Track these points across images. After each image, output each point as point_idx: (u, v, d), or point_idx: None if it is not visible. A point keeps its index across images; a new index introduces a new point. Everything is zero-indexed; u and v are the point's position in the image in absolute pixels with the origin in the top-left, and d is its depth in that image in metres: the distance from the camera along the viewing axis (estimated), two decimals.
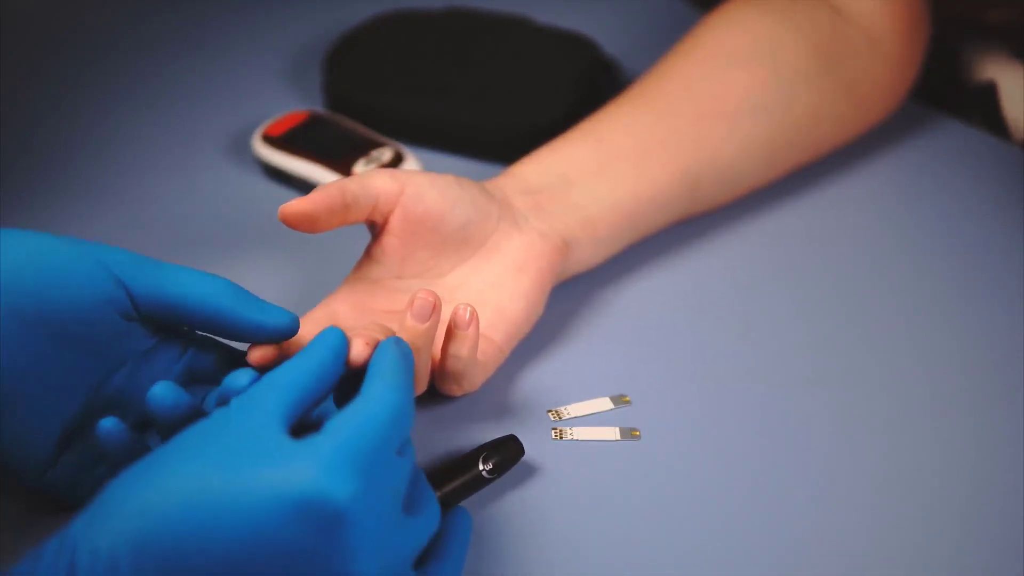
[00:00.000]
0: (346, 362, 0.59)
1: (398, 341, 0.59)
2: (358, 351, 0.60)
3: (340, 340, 0.58)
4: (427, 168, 0.85)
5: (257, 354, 0.62)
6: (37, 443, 0.59)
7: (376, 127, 0.88)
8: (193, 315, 0.60)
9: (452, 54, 0.92)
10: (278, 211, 0.65)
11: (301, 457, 0.50)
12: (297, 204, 0.65)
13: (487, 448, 0.64)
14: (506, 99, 0.89)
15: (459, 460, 0.64)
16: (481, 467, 0.63)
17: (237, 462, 0.50)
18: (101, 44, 0.99)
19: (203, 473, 0.50)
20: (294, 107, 0.89)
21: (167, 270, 0.60)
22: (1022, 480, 0.65)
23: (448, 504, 0.62)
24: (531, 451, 0.66)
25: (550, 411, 0.69)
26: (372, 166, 0.81)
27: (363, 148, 0.84)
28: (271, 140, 0.84)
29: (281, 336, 0.61)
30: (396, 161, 0.83)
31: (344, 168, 0.82)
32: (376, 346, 0.59)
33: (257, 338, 0.61)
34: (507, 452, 0.64)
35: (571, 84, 0.90)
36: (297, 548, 0.50)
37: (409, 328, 0.62)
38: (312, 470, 0.50)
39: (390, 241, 0.69)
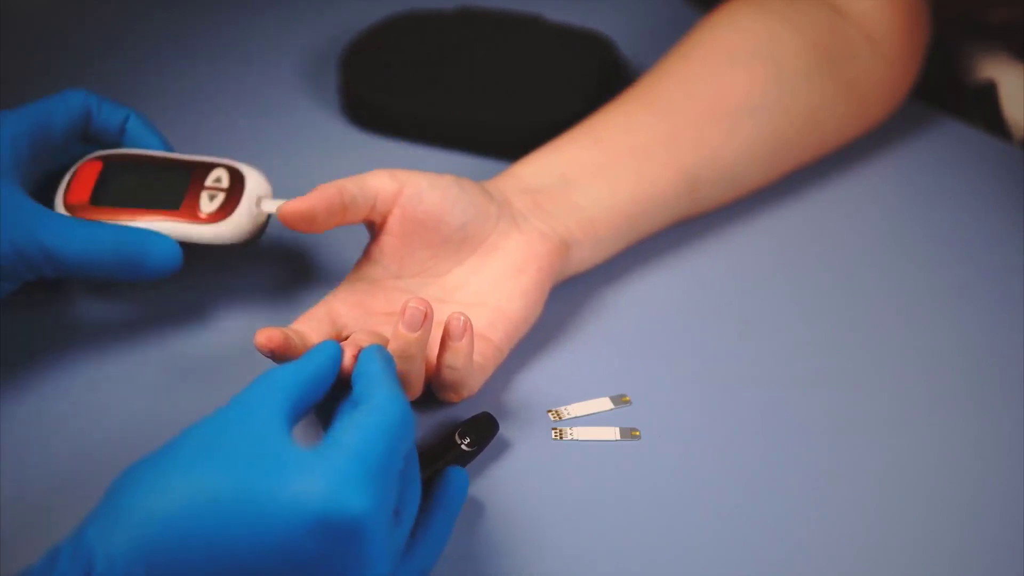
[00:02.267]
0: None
1: (380, 348, 0.60)
2: (346, 360, 0.60)
3: (337, 350, 0.59)
4: (442, 169, 0.84)
5: (263, 337, 0.62)
6: None
7: (394, 128, 0.88)
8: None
9: (468, 53, 0.92)
10: (276, 212, 0.65)
11: (316, 470, 0.51)
12: (295, 204, 0.65)
13: (462, 425, 0.65)
14: (525, 97, 0.89)
15: (437, 442, 0.65)
16: (459, 441, 0.64)
17: (252, 473, 0.50)
18: (109, 43, 0.99)
19: (217, 482, 0.50)
20: (305, 112, 0.89)
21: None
22: (1022, 480, 0.65)
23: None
24: (531, 451, 0.66)
25: (550, 411, 0.69)
26: (219, 197, 0.68)
27: (194, 178, 0.69)
28: (81, 208, 0.68)
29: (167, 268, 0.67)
30: (237, 178, 0.70)
31: (189, 211, 0.68)
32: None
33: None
34: (482, 427, 0.65)
35: (589, 81, 0.90)
36: (314, 561, 0.50)
37: (401, 337, 0.62)
38: (329, 484, 0.50)
39: (389, 241, 0.69)
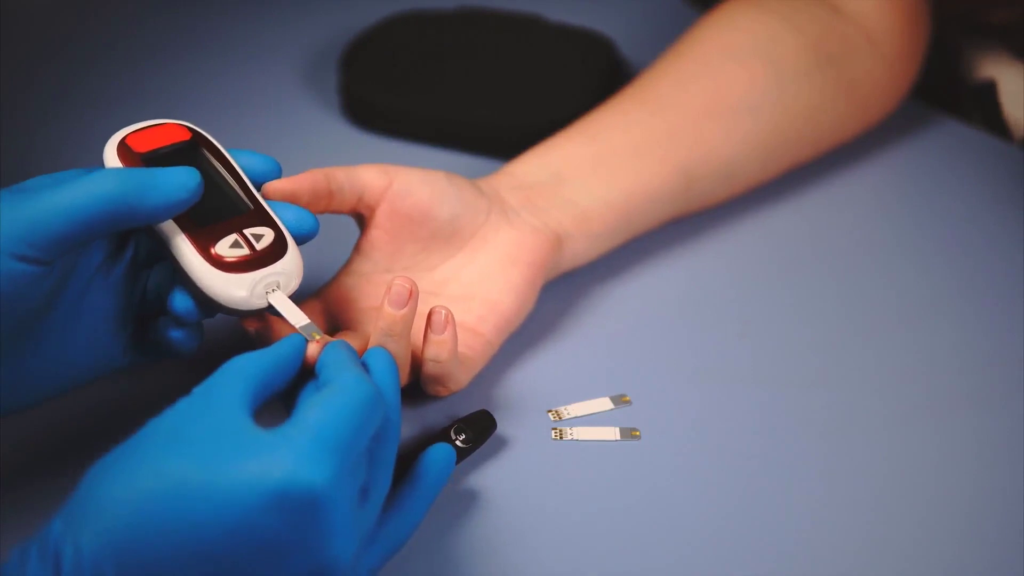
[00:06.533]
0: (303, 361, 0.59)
1: (345, 343, 0.60)
2: (311, 349, 0.60)
3: (301, 339, 0.59)
4: (442, 169, 0.85)
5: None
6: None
7: (394, 128, 0.89)
8: (91, 229, 0.57)
9: (468, 53, 0.93)
10: (262, 189, 0.65)
11: (275, 447, 0.51)
12: (281, 182, 0.65)
13: (459, 422, 0.65)
14: (525, 97, 0.89)
15: (431, 437, 0.65)
16: (454, 437, 0.64)
17: (212, 456, 0.51)
18: (109, 43, 0.99)
19: (180, 468, 0.51)
20: (305, 112, 0.89)
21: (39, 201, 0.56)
22: (1022, 480, 0.65)
23: None
24: (531, 451, 0.67)
25: (550, 411, 0.69)
26: (241, 251, 0.61)
27: (241, 217, 0.62)
28: (129, 156, 0.62)
29: (192, 198, 0.59)
30: (276, 250, 0.62)
31: (203, 238, 0.61)
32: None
33: (171, 212, 0.59)
34: (479, 424, 0.65)
35: (589, 81, 0.90)
36: (277, 536, 0.51)
37: (386, 315, 0.62)
38: (288, 459, 0.51)
39: (378, 235, 0.69)
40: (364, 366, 0.59)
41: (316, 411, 0.53)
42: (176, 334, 0.63)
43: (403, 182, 0.69)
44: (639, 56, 0.96)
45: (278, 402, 0.58)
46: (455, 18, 0.96)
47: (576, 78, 0.91)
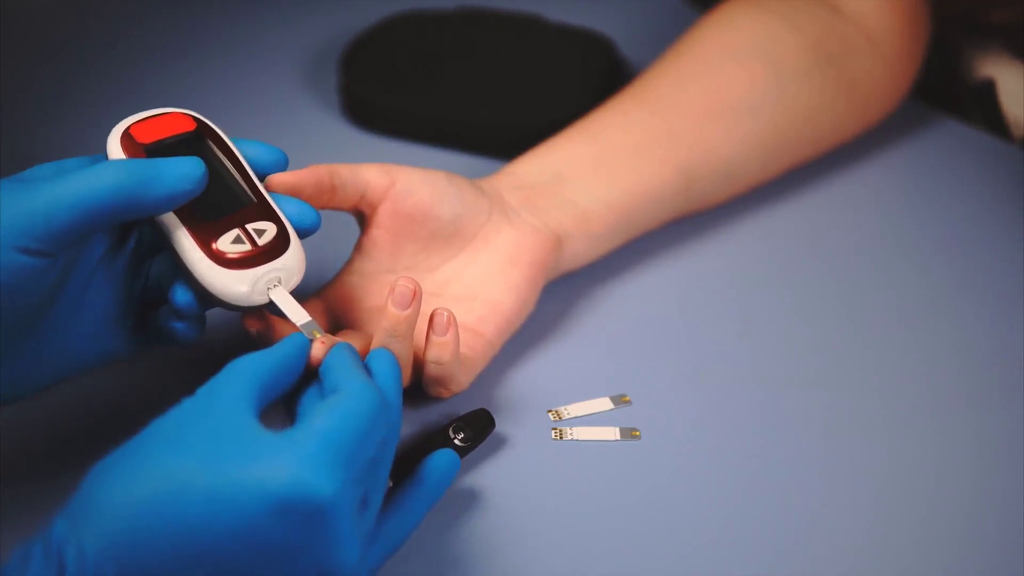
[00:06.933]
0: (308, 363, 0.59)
1: (350, 346, 0.60)
2: (316, 350, 0.60)
3: (304, 339, 0.59)
4: (443, 169, 0.85)
5: (251, 319, 0.64)
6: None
7: (394, 128, 0.89)
8: (96, 220, 0.57)
9: (468, 53, 0.93)
10: (265, 181, 0.64)
11: (282, 451, 0.51)
12: (284, 175, 0.65)
13: (457, 421, 0.65)
14: (525, 97, 0.89)
15: (430, 435, 0.65)
16: (453, 436, 0.64)
17: (217, 457, 0.51)
18: (109, 43, 0.99)
19: (184, 469, 0.50)
20: (305, 112, 0.88)
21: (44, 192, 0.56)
22: (1022, 480, 0.65)
23: None
24: (531, 451, 0.67)
25: (550, 411, 0.69)
26: (243, 247, 0.60)
27: (243, 211, 0.61)
28: (133, 148, 0.61)
29: (196, 189, 0.59)
30: (278, 246, 0.61)
31: (205, 232, 0.60)
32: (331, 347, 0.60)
33: (175, 203, 0.59)
34: (478, 423, 0.65)
35: (589, 81, 0.90)
36: (281, 544, 0.50)
37: (390, 315, 0.62)
38: (295, 466, 0.50)
39: (379, 234, 0.69)
40: (366, 368, 0.59)
41: (323, 418, 0.53)
42: (178, 325, 0.63)
43: (405, 182, 0.69)
44: (639, 56, 0.96)
45: (278, 403, 0.58)
46: (455, 18, 0.96)
47: (576, 78, 0.91)
